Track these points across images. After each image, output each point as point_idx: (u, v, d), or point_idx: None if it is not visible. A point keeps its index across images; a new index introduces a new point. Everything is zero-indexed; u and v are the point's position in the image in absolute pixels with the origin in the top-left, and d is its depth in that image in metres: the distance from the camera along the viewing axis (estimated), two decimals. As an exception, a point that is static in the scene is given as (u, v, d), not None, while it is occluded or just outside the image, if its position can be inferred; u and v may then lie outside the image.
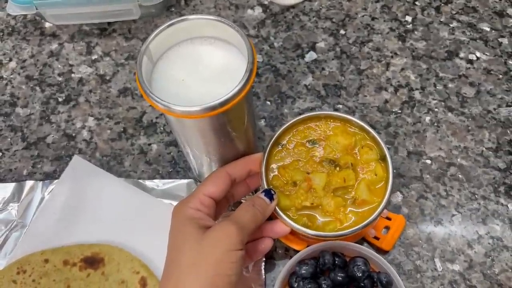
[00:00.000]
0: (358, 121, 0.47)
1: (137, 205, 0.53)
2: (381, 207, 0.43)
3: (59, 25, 0.67)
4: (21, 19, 0.68)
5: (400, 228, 0.48)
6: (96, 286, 0.49)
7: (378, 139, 0.46)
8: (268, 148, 0.47)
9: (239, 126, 0.44)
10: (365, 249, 0.45)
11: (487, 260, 0.49)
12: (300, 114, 0.53)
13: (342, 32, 0.65)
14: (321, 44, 0.64)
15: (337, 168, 0.46)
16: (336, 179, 0.45)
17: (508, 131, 0.56)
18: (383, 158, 0.46)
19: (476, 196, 0.53)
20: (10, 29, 0.68)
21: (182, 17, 0.40)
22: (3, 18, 0.69)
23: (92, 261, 0.50)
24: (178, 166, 0.56)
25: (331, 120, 0.48)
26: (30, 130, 0.59)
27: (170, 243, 0.40)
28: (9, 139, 0.59)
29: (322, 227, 0.44)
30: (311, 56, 0.63)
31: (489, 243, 0.50)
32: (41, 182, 0.55)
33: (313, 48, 0.64)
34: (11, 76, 0.64)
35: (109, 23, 0.67)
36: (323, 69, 0.62)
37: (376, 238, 0.49)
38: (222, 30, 0.40)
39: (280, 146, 0.48)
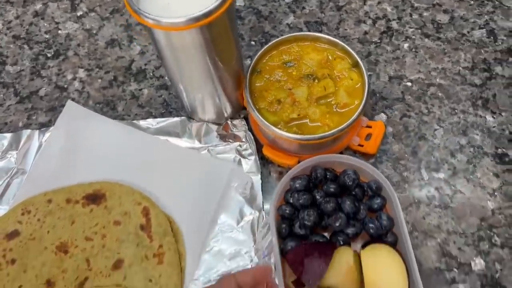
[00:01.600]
0: (325, 36, 0.51)
1: (133, 143, 0.54)
2: (362, 104, 0.46)
3: (42, -14, 0.68)
4: (3, -17, 0.69)
5: (381, 132, 0.51)
6: (100, 219, 0.51)
7: (348, 48, 0.49)
8: (248, 76, 0.50)
9: (224, 48, 0.46)
10: (353, 159, 0.48)
11: (469, 166, 0.52)
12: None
13: (319, -27, 0.67)
14: (299, -14, 0.66)
15: (316, 80, 0.49)
16: (317, 89, 0.48)
17: (482, 51, 0.59)
18: (355, 65, 0.49)
19: (456, 110, 0.56)
20: (-7, -7, 0.69)
21: None
22: (-15, -17, 0.70)
23: (94, 198, 0.52)
24: (170, 107, 0.58)
25: (301, 41, 0.51)
26: (22, 85, 0.61)
27: None
28: (1, 95, 0.60)
29: (312, 133, 0.47)
30: (291, -3, 0.65)
31: (470, 151, 0.53)
32: (38, 130, 0.56)
33: (292, -11, 0.66)
34: (-2, 37, 0.65)
35: (91, -19, 0.68)
36: (303, 8, 0.64)
37: (360, 145, 0.52)
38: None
39: (257, 72, 0.51)
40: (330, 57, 0.50)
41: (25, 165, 0.54)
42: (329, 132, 0.46)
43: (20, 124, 0.58)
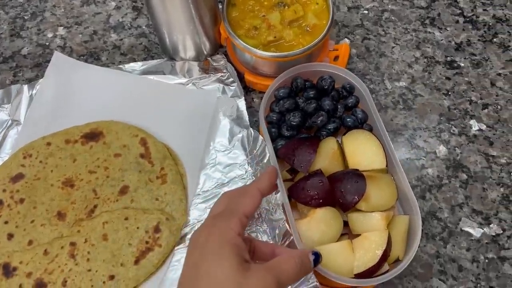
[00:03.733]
0: None
1: (123, 85, 0.58)
2: (329, 21, 0.53)
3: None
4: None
5: (347, 52, 0.58)
6: (100, 154, 0.54)
7: None
8: (225, 9, 0.55)
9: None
10: (327, 65, 0.54)
11: (425, 74, 0.60)
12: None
13: None
14: None
15: (286, 7, 0.55)
16: (288, 13, 0.54)
17: (425, -21, 0.67)
18: None
19: (408, 30, 0.63)
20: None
21: None
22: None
23: (92, 136, 0.55)
24: (151, 52, 0.62)
25: None
26: (3, 47, 0.63)
27: (204, 265, 0.34)
28: (-16, 58, 0.62)
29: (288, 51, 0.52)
30: None
31: (424, 62, 0.61)
32: (27, 84, 0.58)
33: None
34: (-29, 5, 0.66)
35: None
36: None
37: (330, 66, 0.58)
38: None
39: (232, 5, 0.56)
40: (297, -13, 0.56)
41: (19, 117, 0.56)
42: (304, 48, 0.52)
43: (8, 82, 0.60)
